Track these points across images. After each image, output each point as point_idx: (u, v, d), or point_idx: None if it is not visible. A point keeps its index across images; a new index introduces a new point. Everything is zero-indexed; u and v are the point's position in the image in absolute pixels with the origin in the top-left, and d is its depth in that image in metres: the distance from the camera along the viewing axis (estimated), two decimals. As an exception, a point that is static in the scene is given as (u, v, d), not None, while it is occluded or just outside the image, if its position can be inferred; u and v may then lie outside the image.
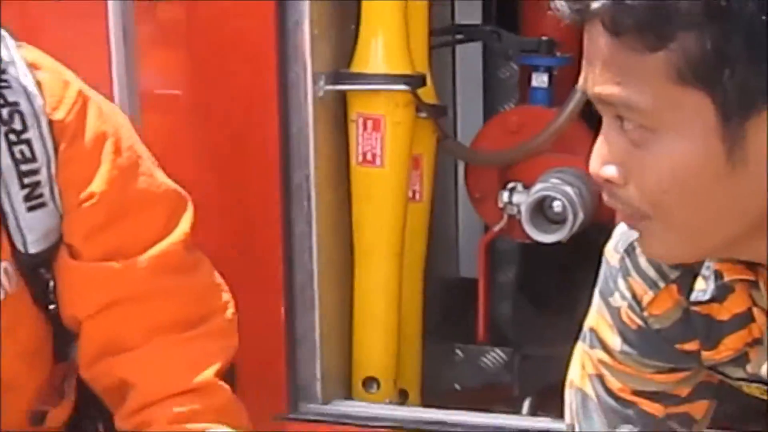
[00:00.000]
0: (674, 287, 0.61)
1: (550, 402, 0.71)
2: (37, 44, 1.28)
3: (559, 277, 1.38)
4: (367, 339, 1.28)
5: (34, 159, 0.69)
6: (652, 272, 0.61)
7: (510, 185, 1.40)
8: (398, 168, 1.28)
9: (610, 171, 0.49)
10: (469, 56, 1.60)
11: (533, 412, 1.34)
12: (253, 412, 1.20)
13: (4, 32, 0.73)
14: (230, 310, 0.80)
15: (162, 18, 1.26)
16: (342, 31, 1.29)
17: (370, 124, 1.27)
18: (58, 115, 0.70)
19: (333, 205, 1.28)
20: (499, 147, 1.45)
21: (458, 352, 1.50)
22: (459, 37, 1.57)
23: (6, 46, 0.73)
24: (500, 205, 1.39)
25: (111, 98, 1.15)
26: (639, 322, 0.64)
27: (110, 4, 1.11)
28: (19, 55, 0.72)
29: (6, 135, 0.70)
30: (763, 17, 0.44)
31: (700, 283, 0.58)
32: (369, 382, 1.28)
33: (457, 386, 1.50)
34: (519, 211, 1.35)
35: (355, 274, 1.29)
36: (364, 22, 1.28)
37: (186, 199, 0.79)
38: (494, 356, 1.50)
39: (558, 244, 1.35)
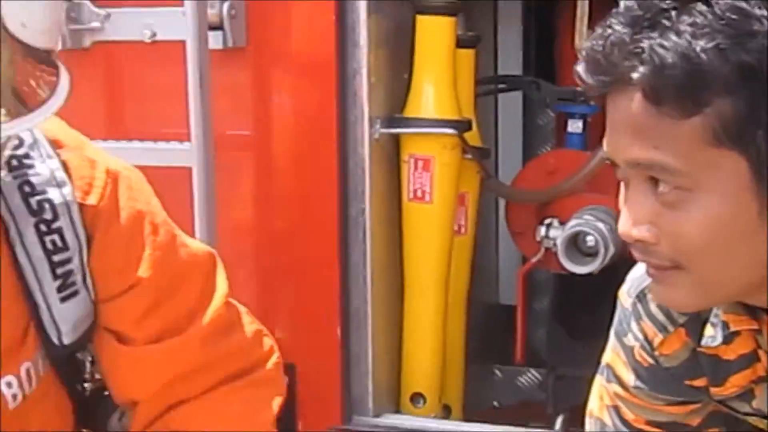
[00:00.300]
0: (683, 331, 0.63)
1: (581, 419, 0.78)
2: (119, 85, 1.42)
3: (590, 305, 1.46)
4: (415, 358, 1.38)
5: (65, 248, 0.65)
6: (661, 317, 0.63)
7: (547, 221, 1.50)
8: (446, 204, 1.39)
9: (642, 231, 0.50)
10: (511, 104, 1.71)
11: (565, 428, 1.43)
12: (311, 425, 1.32)
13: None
14: (275, 356, 0.77)
15: (234, 65, 1.38)
16: (396, 79, 1.40)
17: (420, 164, 1.38)
18: (90, 201, 0.65)
19: (386, 237, 1.39)
20: (537, 186, 1.56)
21: (497, 372, 1.63)
22: (501, 86, 1.67)
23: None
24: (537, 239, 1.49)
25: (188, 137, 1.29)
26: (650, 360, 0.66)
27: (189, 51, 1.23)
28: (41, 133, 0.66)
29: (36, 226, 0.65)
30: None
31: (709, 330, 0.61)
32: (416, 397, 1.38)
33: (495, 403, 1.62)
34: (555, 245, 1.45)
35: (405, 299, 1.40)
36: (416, 71, 1.40)
37: (215, 256, 0.75)
38: (530, 376, 1.61)
39: (590, 275, 1.44)
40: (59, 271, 0.64)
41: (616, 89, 0.47)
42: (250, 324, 0.76)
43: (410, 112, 1.38)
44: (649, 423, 0.69)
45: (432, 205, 1.37)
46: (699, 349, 0.63)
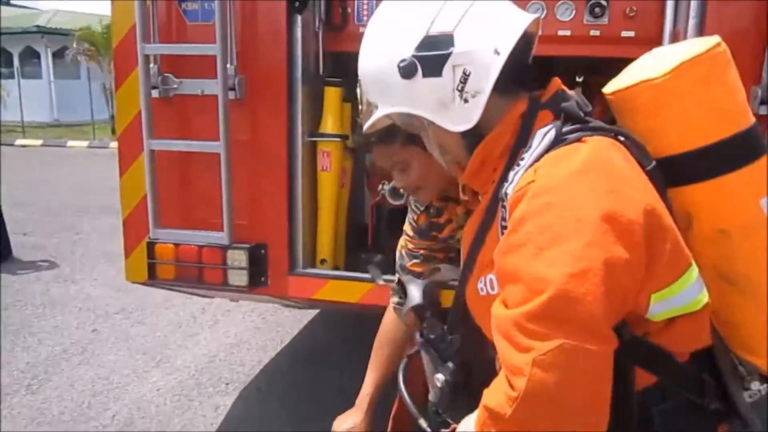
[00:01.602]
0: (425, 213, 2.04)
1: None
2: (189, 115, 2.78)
3: (402, 220, 3.05)
4: (322, 242, 2.93)
5: None
6: (416, 205, 1.98)
7: (383, 182, 3.08)
8: (335, 172, 2.88)
9: (400, 182, 2.15)
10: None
11: (380, 265, 3.04)
12: (274, 275, 2.80)
13: None
14: None
15: (237, 109, 2.84)
16: (316, 109, 2.92)
17: (325, 154, 2.89)
18: None
19: (309, 185, 2.88)
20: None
21: (361, 252, 3.21)
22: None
23: None
24: (379, 189, 3.07)
25: (218, 139, 2.76)
26: (415, 224, 1.95)
27: (220, 101, 2.68)
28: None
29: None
30: None
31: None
32: (322, 261, 2.90)
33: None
34: (386, 191, 3.06)
35: (318, 215, 2.96)
36: (324, 107, 2.94)
37: None
38: (375, 254, 3.22)
39: (402, 205, 3.02)
40: None
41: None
42: None
43: (322, 129, 2.85)
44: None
45: (330, 172, 2.87)
46: (432, 219, 2.01)
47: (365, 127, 1.22)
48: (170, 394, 3.75)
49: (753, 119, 1.13)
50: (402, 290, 1.72)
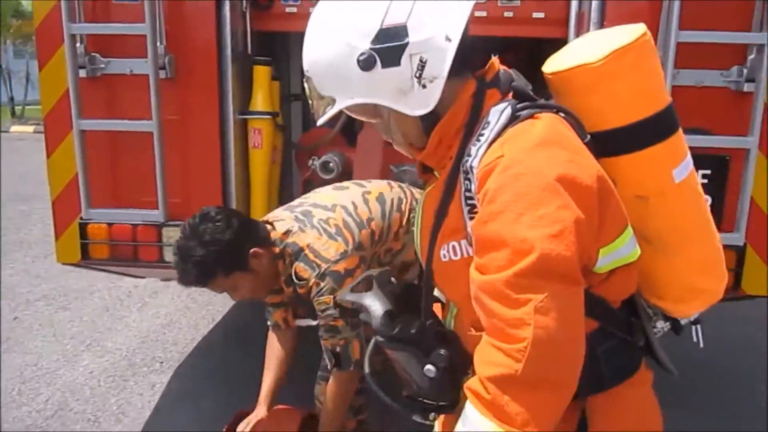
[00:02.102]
0: None
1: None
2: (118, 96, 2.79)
3: None
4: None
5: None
6: None
7: (312, 158, 3.22)
8: (266, 150, 2.99)
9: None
10: (296, 105, 3.39)
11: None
12: None
13: None
14: None
15: (169, 87, 2.87)
16: (247, 89, 3.00)
17: (257, 131, 2.97)
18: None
19: (241, 161, 2.97)
20: (307, 143, 3.29)
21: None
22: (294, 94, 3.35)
23: None
24: (309, 165, 3.21)
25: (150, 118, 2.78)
26: None
27: (151, 80, 2.71)
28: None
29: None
30: None
31: None
32: None
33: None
34: (316, 166, 3.18)
35: (251, 187, 3.04)
36: (254, 87, 3.02)
37: None
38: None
39: (332, 178, 3.16)
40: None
41: None
42: None
43: (252, 107, 2.92)
44: None
45: (262, 149, 2.95)
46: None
47: (319, 121, 1.28)
48: (104, 375, 3.76)
49: (670, 99, 1.28)
50: (349, 312, 1.77)
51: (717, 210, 2.63)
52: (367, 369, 1.49)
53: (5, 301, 4.90)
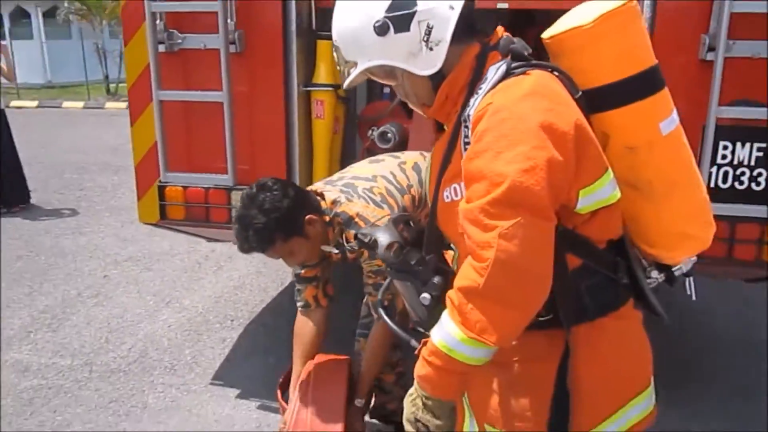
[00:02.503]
0: None
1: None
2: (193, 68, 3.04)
3: None
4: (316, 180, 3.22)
5: None
6: None
7: (372, 128, 3.36)
8: (328, 120, 3.14)
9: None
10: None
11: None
12: None
13: None
14: None
15: (238, 61, 3.08)
16: (309, 63, 3.16)
17: (319, 102, 3.14)
18: None
19: (305, 131, 3.15)
20: (369, 115, 3.43)
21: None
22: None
23: None
24: (369, 135, 3.35)
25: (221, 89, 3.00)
26: None
27: (222, 54, 2.92)
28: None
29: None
30: None
31: None
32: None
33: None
34: (374, 136, 3.33)
35: (313, 155, 3.22)
36: (317, 60, 3.18)
37: None
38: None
39: (390, 147, 3.29)
40: None
41: None
42: None
43: (315, 79, 3.10)
44: None
45: (324, 120, 3.13)
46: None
47: (345, 84, 1.47)
48: (180, 329, 4.08)
49: (655, 60, 1.40)
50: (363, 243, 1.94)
51: (773, 184, 2.61)
52: (379, 300, 1.72)
53: (96, 261, 5.34)
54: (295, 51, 2.93)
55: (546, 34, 1.41)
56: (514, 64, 1.35)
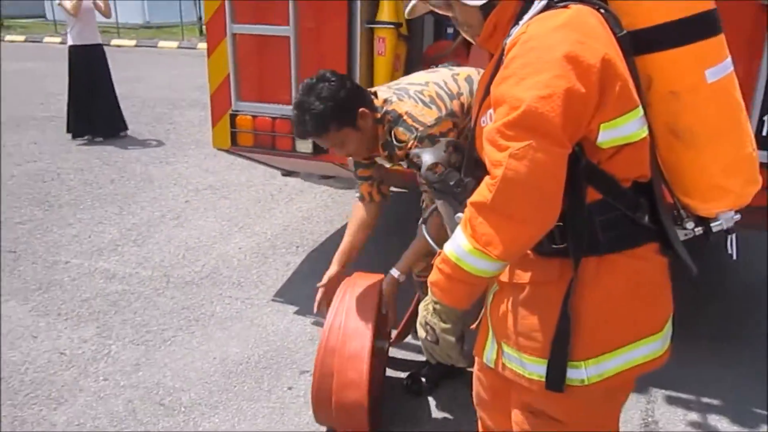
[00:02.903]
0: None
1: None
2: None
3: None
4: None
5: None
6: None
7: (436, 63, 3.49)
8: (389, 57, 3.30)
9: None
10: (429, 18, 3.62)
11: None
12: None
13: None
14: None
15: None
16: (372, 4, 3.30)
17: (381, 40, 3.26)
18: None
19: (366, 63, 3.31)
20: (432, 54, 3.53)
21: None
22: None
23: None
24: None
25: (288, 24, 3.19)
26: None
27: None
28: None
29: None
30: None
31: None
32: None
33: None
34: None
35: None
36: (381, 3, 3.31)
37: None
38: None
39: None
40: None
41: None
42: None
43: (378, 17, 3.22)
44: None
45: (385, 57, 3.27)
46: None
47: (406, 12, 1.58)
48: (249, 252, 4.41)
49: (711, 5, 1.38)
50: (411, 162, 1.98)
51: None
52: (424, 217, 1.84)
53: (179, 188, 5.76)
54: (359, -11, 3.07)
55: None
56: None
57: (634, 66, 1.37)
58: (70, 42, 7.14)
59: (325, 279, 2.72)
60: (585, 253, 1.40)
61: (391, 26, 3.22)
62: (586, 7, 1.35)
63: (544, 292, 1.44)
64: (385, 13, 3.23)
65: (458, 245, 1.37)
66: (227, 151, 3.54)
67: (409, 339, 3.10)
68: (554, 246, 1.40)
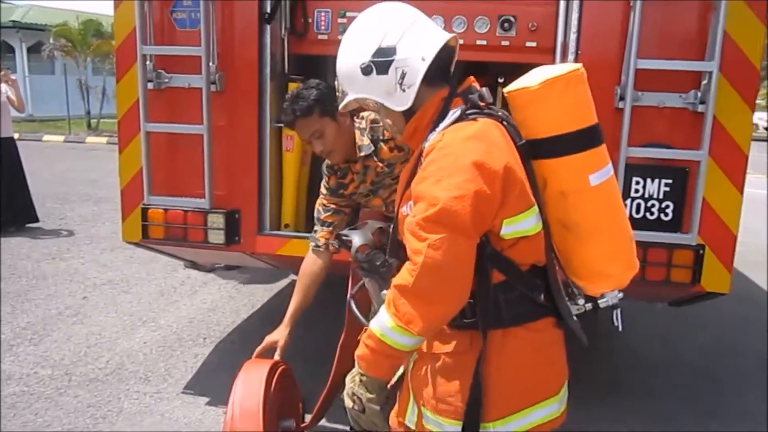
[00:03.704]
0: None
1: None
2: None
3: None
4: (286, 213, 3.57)
5: None
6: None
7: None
8: (297, 153, 3.56)
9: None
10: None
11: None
12: (246, 235, 3.45)
13: None
14: None
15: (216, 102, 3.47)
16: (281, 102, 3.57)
17: (289, 138, 3.54)
18: None
19: (275, 161, 3.52)
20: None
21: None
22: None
23: None
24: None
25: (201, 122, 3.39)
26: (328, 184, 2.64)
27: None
28: None
29: None
30: None
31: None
32: (286, 226, 3.56)
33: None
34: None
35: (283, 190, 3.60)
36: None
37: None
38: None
39: None
40: None
41: None
42: None
43: (286, 117, 3.51)
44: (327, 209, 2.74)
45: (293, 152, 3.50)
46: (339, 180, 2.74)
47: (340, 107, 1.80)
48: (155, 346, 4.36)
49: (595, 120, 1.67)
50: (342, 242, 2.20)
51: (677, 215, 3.03)
52: (352, 293, 2.00)
53: (76, 284, 5.61)
54: (269, 91, 3.33)
55: (506, 89, 1.70)
56: (469, 111, 1.65)
57: (531, 169, 1.65)
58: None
59: (274, 336, 2.72)
60: (492, 327, 1.64)
61: (299, 125, 3.47)
62: (491, 120, 1.64)
63: (458, 360, 1.66)
64: (293, 113, 3.49)
65: (382, 322, 1.58)
66: (136, 244, 3.58)
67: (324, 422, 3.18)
68: (465, 321, 1.64)
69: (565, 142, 1.61)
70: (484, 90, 1.71)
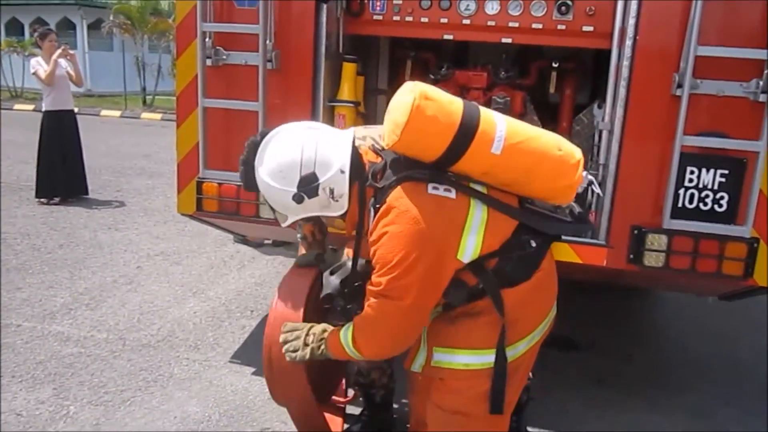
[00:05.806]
0: None
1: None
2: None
3: None
4: None
5: None
6: None
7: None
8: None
9: None
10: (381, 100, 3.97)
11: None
12: None
13: None
14: None
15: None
16: (335, 83, 3.61)
17: (341, 117, 3.56)
18: None
19: None
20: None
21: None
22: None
23: None
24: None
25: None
26: None
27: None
28: None
29: None
30: None
31: None
32: None
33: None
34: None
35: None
36: (342, 80, 3.62)
37: None
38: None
39: None
40: None
41: None
42: None
43: (339, 96, 3.53)
44: None
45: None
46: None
47: (283, 225, 2.14)
48: (205, 316, 4.50)
49: (457, 126, 1.93)
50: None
51: (731, 207, 2.97)
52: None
53: (130, 254, 5.81)
54: (323, 70, 3.37)
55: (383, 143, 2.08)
56: (376, 203, 2.00)
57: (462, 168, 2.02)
58: (44, 108, 7.45)
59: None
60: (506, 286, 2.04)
61: (351, 104, 3.54)
62: (400, 192, 1.99)
63: (483, 307, 2.06)
64: (345, 92, 3.55)
65: (346, 338, 2.12)
66: (190, 216, 3.70)
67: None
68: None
69: (452, 152, 1.93)
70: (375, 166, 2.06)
